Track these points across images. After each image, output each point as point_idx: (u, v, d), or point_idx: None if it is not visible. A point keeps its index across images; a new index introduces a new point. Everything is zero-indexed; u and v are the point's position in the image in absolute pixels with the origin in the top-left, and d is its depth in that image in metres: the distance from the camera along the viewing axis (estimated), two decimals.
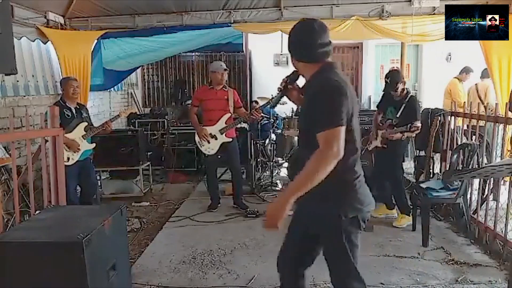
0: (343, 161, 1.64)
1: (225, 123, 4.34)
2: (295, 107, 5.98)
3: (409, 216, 3.89)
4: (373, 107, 7.54)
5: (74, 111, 3.88)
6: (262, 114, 4.49)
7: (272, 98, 4.30)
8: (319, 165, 1.59)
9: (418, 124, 3.67)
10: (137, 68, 6.96)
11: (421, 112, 3.97)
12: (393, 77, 3.79)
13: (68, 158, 3.77)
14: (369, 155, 4.00)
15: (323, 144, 1.61)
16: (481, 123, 3.86)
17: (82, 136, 3.88)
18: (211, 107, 4.36)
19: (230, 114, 4.33)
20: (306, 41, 1.78)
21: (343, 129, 1.63)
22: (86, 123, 3.96)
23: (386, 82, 3.86)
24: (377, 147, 3.97)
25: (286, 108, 5.94)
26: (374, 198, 1.84)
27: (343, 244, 1.76)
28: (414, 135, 3.84)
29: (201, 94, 4.48)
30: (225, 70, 4.31)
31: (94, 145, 4.04)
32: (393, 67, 7.02)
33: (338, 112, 1.64)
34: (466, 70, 6.11)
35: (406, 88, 3.85)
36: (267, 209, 1.69)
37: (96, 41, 5.14)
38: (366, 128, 4.62)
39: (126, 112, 4.52)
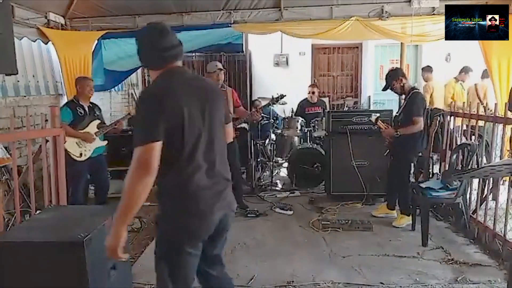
0: (170, 175, 1.60)
1: None
2: (295, 107, 6.00)
3: (409, 216, 3.89)
4: (373, 107, 7.56)
5: (87, 109, 3.97)
6: (262, 114, 4.48)
7: None
8: (133, 187, 1.49)
9: (418, 119, 3.64)
10: (138, 68, 6.93)
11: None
12: (389, 77, 3.88)
13: (81, 154, 3.84)
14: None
15: (133, 163, 1.50)
16: (481, 123, 3.86)
17: (95, 133, 3.96)
18: None
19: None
20: (145, 47, 1.71)
21: (156, 145, 1.50)
22: (98, 121, 4.04)
23: (386, 81, 3.92)
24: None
25: (286, 108, 5.96)
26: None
27: (161, 255, 1.71)
28: (412, 132, 3.70)
29: None
30: (220, 70, 4.17)
31: (106, 142, 4.11)
32: (392, 67, 7.03)
33: (150, 127, 1.52)
34: (465, 70, 6.11)
35: (410, 85, 3.87)
36: (106, 242, 1.61)
37: (96, 41, 5.14)
38: (365, 128, 4.62)
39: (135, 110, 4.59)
